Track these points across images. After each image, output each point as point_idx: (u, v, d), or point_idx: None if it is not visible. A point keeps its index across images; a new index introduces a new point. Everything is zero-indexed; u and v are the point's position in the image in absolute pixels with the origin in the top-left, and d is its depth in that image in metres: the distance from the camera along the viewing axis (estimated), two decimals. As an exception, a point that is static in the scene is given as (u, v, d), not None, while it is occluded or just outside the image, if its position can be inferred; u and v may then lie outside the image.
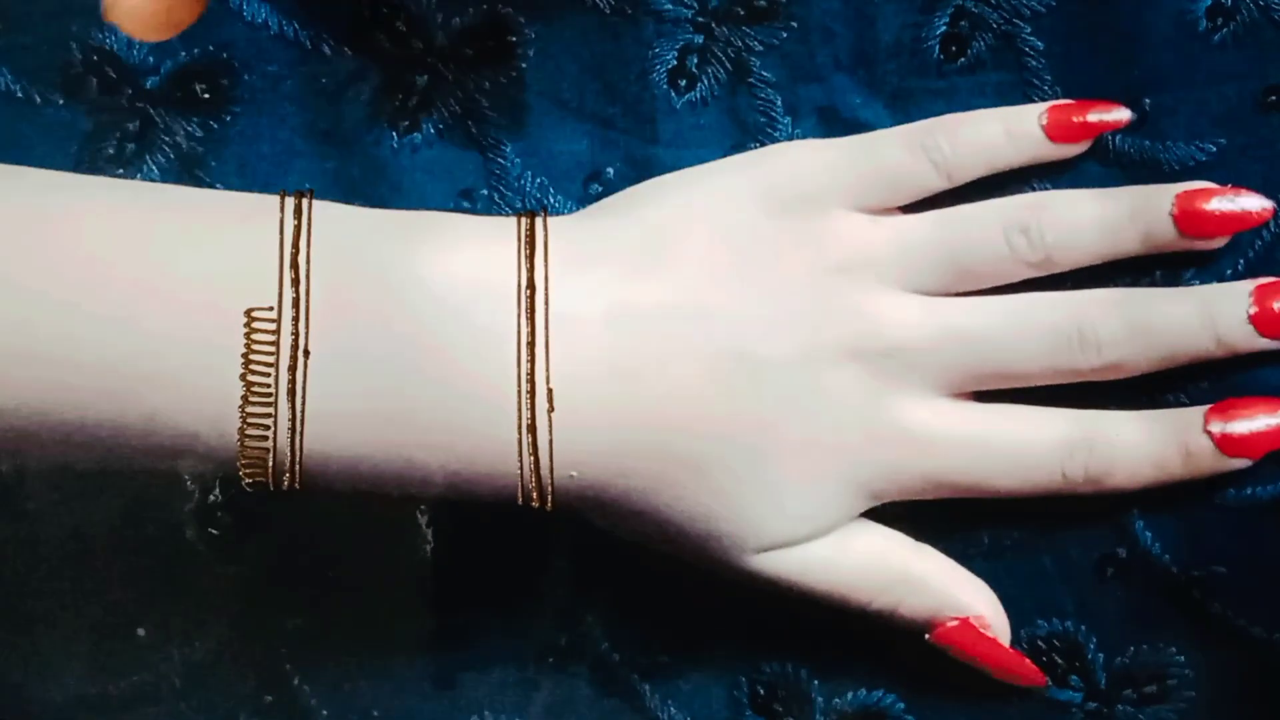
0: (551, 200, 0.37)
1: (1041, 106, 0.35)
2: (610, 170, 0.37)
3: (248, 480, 0.31)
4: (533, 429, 0.31)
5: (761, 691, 0.37)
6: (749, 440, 0.32)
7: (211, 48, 0.37)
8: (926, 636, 0.35)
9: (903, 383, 0.33)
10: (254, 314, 0.31)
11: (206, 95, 0.37)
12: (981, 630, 0.34)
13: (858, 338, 0.33)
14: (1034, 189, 0.36)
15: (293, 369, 0.31)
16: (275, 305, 0.31)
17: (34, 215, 0.31)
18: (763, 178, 0.34)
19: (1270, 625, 0.35)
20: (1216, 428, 0.34)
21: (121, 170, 0.37)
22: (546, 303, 0.32)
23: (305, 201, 0.32)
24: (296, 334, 0.31)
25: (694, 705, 0.37)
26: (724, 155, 0.35)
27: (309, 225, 0.32)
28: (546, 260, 0.32)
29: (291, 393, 0.31)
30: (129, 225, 0.31)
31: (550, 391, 0.31)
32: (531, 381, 0.31)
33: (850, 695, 0.36)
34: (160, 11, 0.31)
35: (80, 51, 0.37)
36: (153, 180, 0.36)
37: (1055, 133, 0.35)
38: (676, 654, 0.37)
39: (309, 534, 0.37)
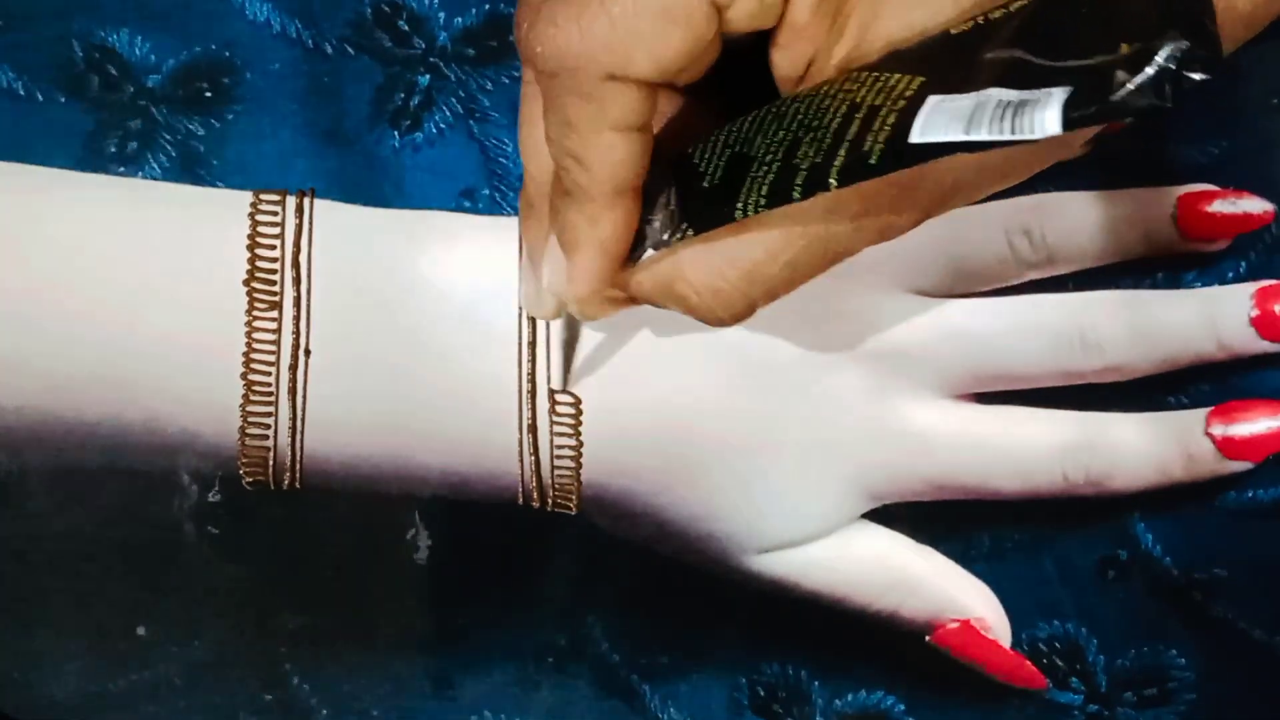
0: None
1: None
2: (612, 170, 0.37)
3: (248, 479, 0.31)
4: (533, 429, 0.31)
5: (761, 692, 0.37)
6: (750, 441, 0.32)
7: (214, 46, 0.37)
8: (927, 638, 0.34)
9: (904, 384, 0.33)
10: (255, 313, 0.31)
11: (209, 94, 0.37)
12: (982, 632, 0.34)
13: (859, 339, 0.33)
14: (1036, 191, 0.35)
15: (294, 368, 0.31)
16: (276, 304, 0.31)
17: (35, 214, 0.31)
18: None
19: (1271, 628, 0.35)
20: (1218, 430, 0.34)
21: (123, 169, 0.37)
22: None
23: (307, 200, 0.32)
24: (298, 333, 0.31)
25: (694, 706, 0.37)
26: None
27: (310, 224, 0.32)
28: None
29: (293, 392, 0.31)
30: (130, 224, 0.31)
31: (552, 392, 0.31)
32: (533, 382, 0.31)
33: (850, 696, 0.36)
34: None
35: (82, 49, 0.37)
36: (154, 179, 0.36)
37: None
38: (676, 654, 0.37)
39: (309, 534, 0.37)
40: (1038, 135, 0.21)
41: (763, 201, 0.25)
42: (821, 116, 0.24)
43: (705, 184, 0.26)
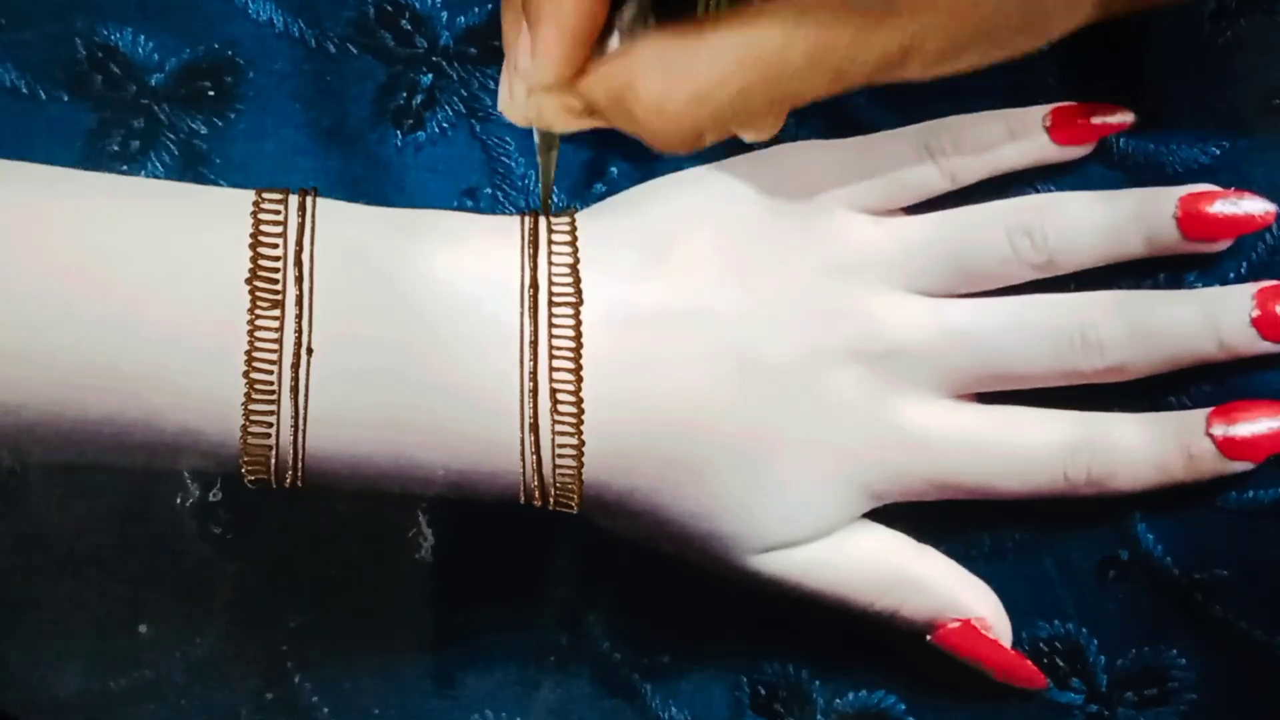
0: (555, 199, 0.37)
1: (1046, 108, 0.35)
2: (614, 169, 0.37)
3: (250, 478, 0.31)
4: (535, 428, 0.31)
5: (762, 691, 0.37)
6: (751, 441, 0.32)
7: (216, 45, 0.37)
8: (928, 638, 0.35)
9: (905, 384, 0.33)
10: (257, 311, 0.31)
11: (211, 92, 0.37)
12: (983, 632, 0.34)
13: (860, 339, 0.33)
14: (1038, 191, 0.36)
15: (295, 366, 0.31)
16: (279, 302, 0.31)
17: (36, 212, 0.31)
18: (766, 178, 0.34)
19: (1272, 628, 0.35)
20: (1219, 430, 0.34)
21: (126, 167, 0.37)
22: (550, 302, 0.32)
23: (309, 199, 0.32)
24: (300, 331, 0.31)
25: (695, 705, 0.37)
26: (727, 155, 0.35)
27: (313, 222, 0.32)
28: (550, 260, 0.32)
29: (295, 390, 0.31)
30: (132, 223, 0.31)
31: (554, 391, 0.31)
32: (535, 381, 0.31)
33: (851, 696, 0.36)
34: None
35: (85, 48, 0.37)
36: (157, 177, 0.36)
37: (1059, 134, 0.35)
38: (677, 654, 0.37)
39: (310, 532, 0.37)
40: None
41: None
42: None
43: None
